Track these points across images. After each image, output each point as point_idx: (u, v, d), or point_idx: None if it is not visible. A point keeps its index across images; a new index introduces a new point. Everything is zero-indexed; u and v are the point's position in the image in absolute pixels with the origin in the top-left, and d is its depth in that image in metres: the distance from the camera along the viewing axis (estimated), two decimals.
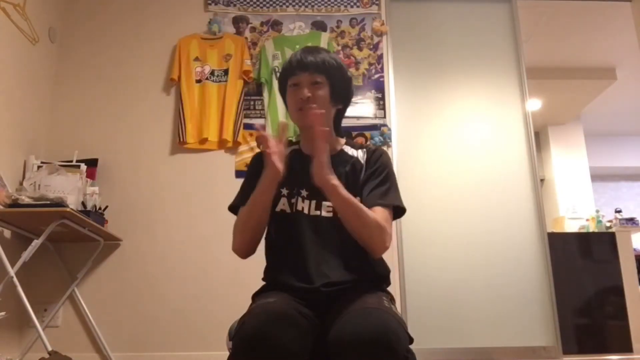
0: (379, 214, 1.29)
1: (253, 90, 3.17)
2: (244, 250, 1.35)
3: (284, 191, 1.37)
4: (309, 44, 3.18)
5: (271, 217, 1.36)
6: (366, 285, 1.26)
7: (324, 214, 1.34)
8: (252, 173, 1.44)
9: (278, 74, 3.10)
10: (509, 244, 3.05)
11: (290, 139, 1.48)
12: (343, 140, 1.49)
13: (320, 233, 1.32)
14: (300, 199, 1.36)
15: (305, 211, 1.35)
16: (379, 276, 1.34)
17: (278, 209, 1.37)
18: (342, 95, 1.45)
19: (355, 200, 1.26)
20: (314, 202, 1.35)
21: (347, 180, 1.36)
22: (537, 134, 6.29)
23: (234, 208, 1.42)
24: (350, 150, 1.45)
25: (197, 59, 3.16)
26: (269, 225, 1.39)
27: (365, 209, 1.26)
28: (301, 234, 1.32)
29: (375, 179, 1.37)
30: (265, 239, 1.40)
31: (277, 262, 1.36)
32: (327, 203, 1.33)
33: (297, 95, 1.37)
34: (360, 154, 1.43)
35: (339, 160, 1.40)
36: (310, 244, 1.30)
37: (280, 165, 1.23)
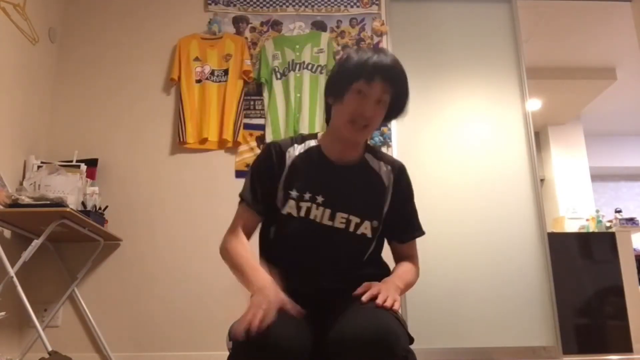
0: (413, 249, 1.40)
1: (253, 90, 3.17)
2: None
3: (294, 194, 1.29)
4: (311, 44, 3.18)
5: (274, 217, 1.31)
6: None
7: (336, 225, 1.28)
8: (262, 169, 1.34)
9: (278, 74, 3.13)
10: (509, 244, 3.05)
11: (300, 134, 1.43)
12: (364, 147, 1.39)
13: (329, 243, 1.28)
14: (314, 206, 1.28)
15: (318, 219, 1.28)
16: (381, 279, 1.32)
17: (285, 212, 1.28)
18: (397, 113, 1.34)
19: (407, 277, 1.31)
20: (328, 212, 1.28)
21: (365, 196, 1.32)
22: (537, 134, 6.29)
23: (242, 198, 1.34)
24: (373, 162, 1.37)
25: (197, 59, 3.16)
26: (268, 224, 1.34)
27: (409, 276, 1.33)
28: (308, 242, 1.28)
29: (406, 207, 1.39)
30: (261, 235, 1.35)
31: (276, 265, 1.26)
32: (342, 214, 1.28)
33: (360, 107, 1.24)
34: (383, 170, 1.36)
35: (360, 172, 1.35)
36: (315, 252, 1.27)
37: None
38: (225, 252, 1.29)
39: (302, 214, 1.28)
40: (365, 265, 1.31)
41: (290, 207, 1.28)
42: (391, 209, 1.35)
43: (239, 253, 1.26)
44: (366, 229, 1.30)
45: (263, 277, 1.16)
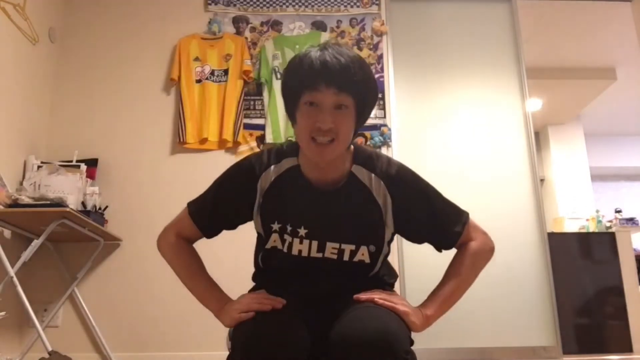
0: (469, 237, 1.20)
1: (253, 90, 3.16)
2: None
3: (275, 226, 1.16)
4: (311, 44, 3.18)
5: (259, 249, 1.24)
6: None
7: (327, 255, 1.15)
8: (226, 194, 1.24)
9: (278, 74, 3.13)
10: (509, 244, 3.04)
11: (290, 138, 1.33)
12: (351, 155, 1.17)
13: (321, 276, 1.17)
14: (297, 240, 1.14)
15: (304, 254, 1.15)
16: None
17: (269, 246, 1.17)
18: (367, 116, 1.13)
19: (452, 288, 1.16)
20: (315, 243, 1.14)
21: (356, 219, 1.14)
22: (537, 134, 6.28)
23: (193, 213, 1.28)
24: (362, 176, 1.16)
25: (197, 59, 3.16)
26: (257, 254, 1.26)
27: (461, 276, 1.18)
28: (298, 277, 1.18)
29: (426, 212, 1.17)
30: (254, 261, 1.29)
31: (269, 290, 1.18)
32: (333, 244, 1.13)
33: (315, 121, 1.04)
34: (374, 185, 1.15)
35: (347, 191, 1.15)
36: (308, 286, 1.17)
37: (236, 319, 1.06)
38: (165, 254, 1.29)
39: (287, 248, 1.15)
40: (369, 282, 1.19)
41: (274, 241, 1.17)
42: (408, 227, 1.18)
43: (186, 262, 1.28)
44: (363, 255, 1.15)
45: (221, 295, 1.21)
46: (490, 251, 1.25)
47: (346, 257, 1.15)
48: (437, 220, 1.19)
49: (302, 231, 1.14)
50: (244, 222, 1.26)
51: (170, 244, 1.27)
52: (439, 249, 1.24)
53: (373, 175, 1.16)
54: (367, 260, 1.16)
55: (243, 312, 1.05)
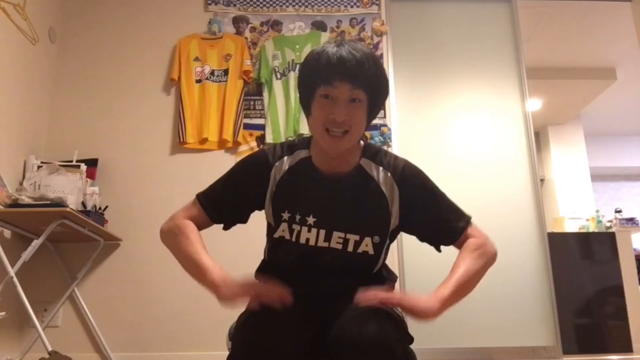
0: (471, 237, 1.19)
1: (253, 90, 3.16)
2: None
3: (285, 215, 1.19)
4: (311, 44, 3.18)
5: (268, 240, 1.26)
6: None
7: (333, 245, 1.18)
8: (241, 176, 1.25)
9: (278, 74, 3.13)
10: (509, 244, 3.04)
11: (290, 138, 1.34)
12: (360, 150, 1.23)
13: (326, 267, 1.18)
14: (305, 229, 1.18)
15: (312, 242, 1.18)
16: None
17: (277, 235, 1.20)
18: (377, 111, 1.19)
19: (463, 274, 1.10)
20: (322, 232, 1.17)
21: (362, 210, 1.18)
22: (537, 134, 6.29)
23: (200, 198, 1.26)
24: (370, 169, 1.21)
25: (197, 59, 3.16)
26: (266, 245, 1.28)
27: (471, 265, 1.13)
28: (304, 267, 1.19)
29: (432, 208, 1.20)
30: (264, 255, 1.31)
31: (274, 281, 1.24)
32: (339, 234, 1.17)
33: (330, 113, 1.10)
34: (382, 178, 1.20)
35: (355, 182, 1.20)
36: (313, 278, 1.18)
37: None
38: (167, 232, 1.22)
39: (295, 238, 1.18)
40: (372, 278, 1.22)
41: (282, 231, 1.19)
42: (414, 219, 1.20)
43: (191, 236, 1.20)
44: (367, 246, 1.18)
45: (220, 271, 1.10)
46: (493, 255, 1.23)
47: (350, 248, 1.16)
48: (443, 214, 1.21)
49: (311, 219, 1.17)
50: (252, 210, 1.27)
51: (176, 223, 1.21)
52: (439, 244, 1.25)
53: (381, 168, 1.21)
54: (371, 251, 1.18)
55: (248, 296, 1.02)
